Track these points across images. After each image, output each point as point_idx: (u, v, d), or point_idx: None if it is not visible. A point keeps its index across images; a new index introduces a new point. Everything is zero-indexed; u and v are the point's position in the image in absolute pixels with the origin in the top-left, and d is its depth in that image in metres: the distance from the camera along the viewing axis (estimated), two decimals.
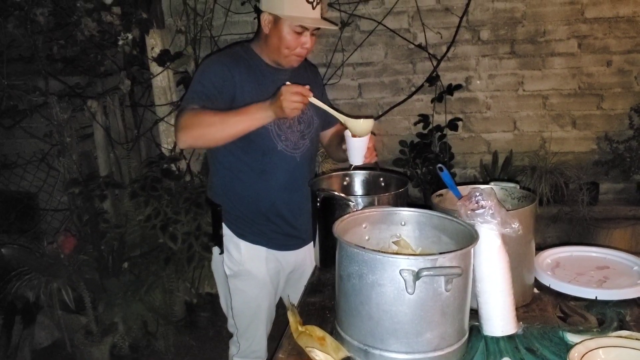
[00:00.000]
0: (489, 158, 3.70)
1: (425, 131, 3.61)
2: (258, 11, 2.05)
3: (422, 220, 1.53)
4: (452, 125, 3.57)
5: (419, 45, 3.62)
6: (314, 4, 1.93)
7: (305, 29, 1.93)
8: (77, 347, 3.15)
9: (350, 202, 1.78)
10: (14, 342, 3.13)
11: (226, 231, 2.15)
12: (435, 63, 3.60)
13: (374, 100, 3.81)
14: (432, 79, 3.58)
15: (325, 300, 1.68)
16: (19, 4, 2.75)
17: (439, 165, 1.71)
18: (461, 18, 3.55)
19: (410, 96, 3.69)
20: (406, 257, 1.25)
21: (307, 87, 1.84)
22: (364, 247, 1.31)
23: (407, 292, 1.22)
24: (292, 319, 1.49)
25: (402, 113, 3.76)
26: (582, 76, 3.56)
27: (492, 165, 3.65)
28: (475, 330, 1.46)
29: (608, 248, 1.94)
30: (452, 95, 3.57)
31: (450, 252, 1.28)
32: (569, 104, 3.61)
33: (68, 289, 2.99)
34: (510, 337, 1.44)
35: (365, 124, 1.88)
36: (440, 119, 3.64)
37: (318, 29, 1.99)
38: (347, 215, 1.52)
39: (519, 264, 1.55)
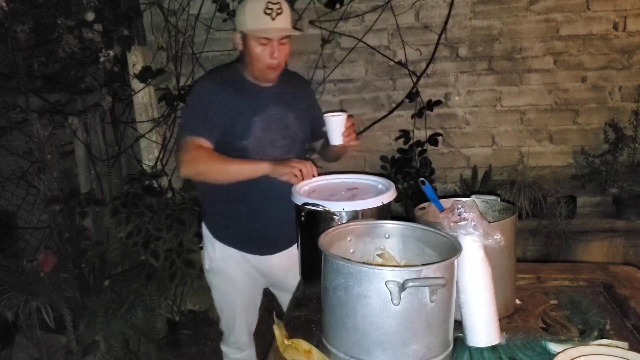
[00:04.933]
0: (469, 173, 3.75)
1: (406, 147, 3.65)
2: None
3: (405, 232, 1.55)
4: (433, 140, 3.61)
5: (399, 62, 3.67)
6: (273, 14, 2.03)
7: (269, 39, 2.05)
8: None
9: (335, 216, 1.79)
10: None
11: (204, 230, 2.36)
12: (415, 79, 3.65)
13: (355, 117, 3.83)
14: (412, 95, 3.63)
15: (310, 314, 1.69)
16: None
17: (421, 179, 1.73)
18: (440, 35, 3.61)
19: (390, 112, 3.74)
20: (391, 268, 1.27)
21: (312, 173, 2.00)
22: (350, 260, 1.33)
23: (393, 304, 1.23)
24: (278, 332, 1.49)
25: (383, 129, 3.80)
26: (558, 92, 3.64)
27: (471, 179, 3.69)
28: (460, 341, 1.48)
29: (359, 174, 2.14)
30: (432, 111, 3.61)
31: (434, 263, 1.29)
32: (546, 119, 3.69)
33: (48, 307, 2.95)
34: (493, 348, 1.45)
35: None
36: (420, 134, 3.69)
37: (286, 37, 2.10)
38: (332, 228, 1.53)
39: (500, 275, 1.57)
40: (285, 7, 2.08)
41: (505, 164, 3.74)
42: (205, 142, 2.10)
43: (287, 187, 1.99)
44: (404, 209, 3.56)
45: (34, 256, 3.16)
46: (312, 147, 2.51)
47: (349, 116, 2.13)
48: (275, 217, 2.21)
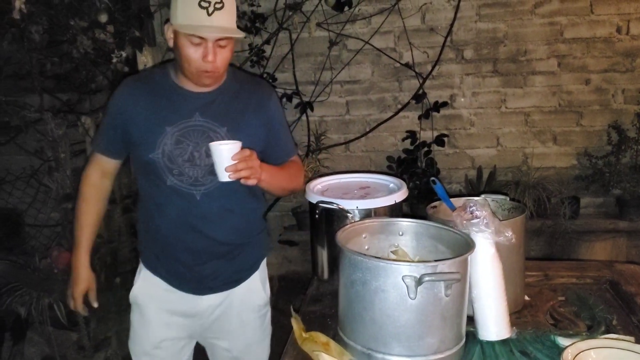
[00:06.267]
0: (474, 173, 3.80)
1: (412, 147, 3.69)
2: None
3: (419, 230, 1.60)
4: (439, 141, 3.66)
5: (405, 64, 3.72)
6: (210, 9, 1.64)
7: (203, 39, 1.67)
8: None
9: (348, 214, 1.84)
10: (3, 359, 3.11)
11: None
12: (420, 81, 3.70)
13: (361, 117, 3.89)
14: (419, 97, 3.68)
15: (325, 309, 1.74)
16: (16, 21, 2.78)
17: (432, 178, 1.79)
18: (445, 38, 3.66)
19: (396, 113, 3.78)
20: (408, 263, 1.32)
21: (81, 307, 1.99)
22: (368, 255, 1.37)
23: (410, 298, 1.28)
24: (296, 326, 1.54)
25: (389, 130, 3.85)
26: (562, 94, 3.69)
27: (476, 180, 3.74)
28: (471, 335, 1.52)
29: (371, 173, 2.25)
30: (438, 112, 3.66)
31: (449, 259, 1.34)
32: (550, 120, 3.73)
33: (60, 304, 2.98)
34: (504, 342, 1.50)
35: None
36: (425, 135, 3.73)
37: (226, 39, 1.71)
38: (348, 225, 1.58)
39: (510, 271, 1.62)
40: (229, 1, 1.69)
41: (509, 165, 3.79)
42: (105, 161, 1.92)
43: (216, 216, 1.83)
44: (409, 208, 3.61)
45: (46, 253, 3.19)
46: None
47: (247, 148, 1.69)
48: (199, 250, 1.88)
